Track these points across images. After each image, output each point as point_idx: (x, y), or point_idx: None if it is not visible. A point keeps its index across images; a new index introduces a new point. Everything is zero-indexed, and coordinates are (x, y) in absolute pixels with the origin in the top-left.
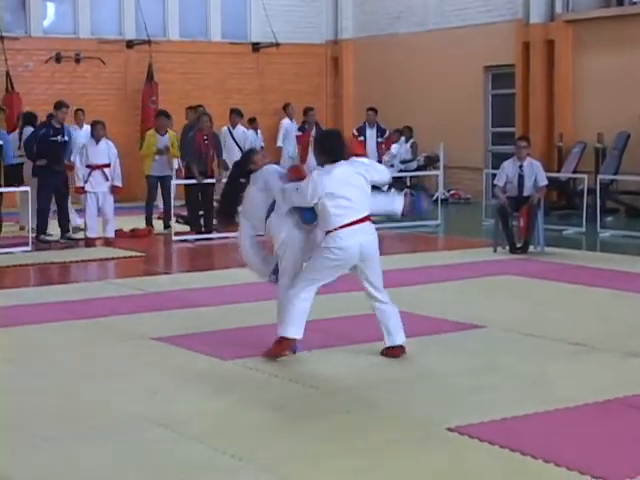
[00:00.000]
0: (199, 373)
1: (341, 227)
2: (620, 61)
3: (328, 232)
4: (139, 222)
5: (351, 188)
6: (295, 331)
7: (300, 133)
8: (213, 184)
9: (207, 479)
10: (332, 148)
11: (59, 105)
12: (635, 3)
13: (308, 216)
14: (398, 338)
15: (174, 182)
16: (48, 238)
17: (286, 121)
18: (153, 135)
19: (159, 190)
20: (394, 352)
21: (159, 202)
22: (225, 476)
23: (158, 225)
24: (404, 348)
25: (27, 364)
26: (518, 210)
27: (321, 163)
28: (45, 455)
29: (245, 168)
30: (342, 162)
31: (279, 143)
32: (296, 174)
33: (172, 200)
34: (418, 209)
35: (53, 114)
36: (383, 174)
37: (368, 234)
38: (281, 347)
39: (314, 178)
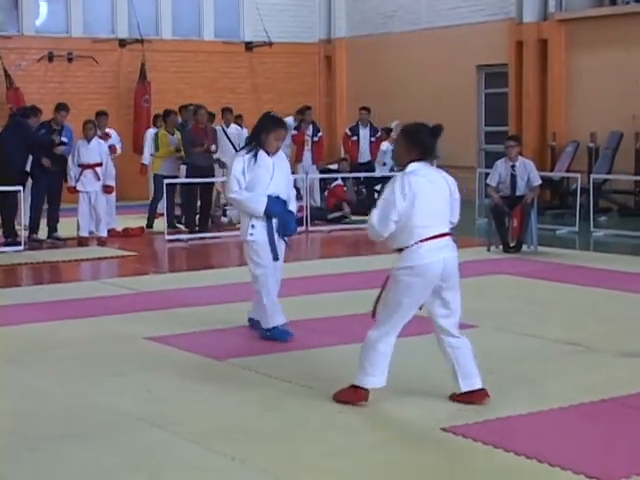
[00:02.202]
0: (193, 373)
1: (422, 241)
2: (613, 60)
3: (403, 249)
4: (132, 221)
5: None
6: (369, 381)
7: (295, 132)
8: (212, 184)
9: (199, 479)
10: (424, 142)
11: (58, 108)
12: (628, 2)
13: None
14: (478, 380)
15: (168, 181)
16: (39, 237)
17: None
18: (166, 135)
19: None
20: (476, 397)
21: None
22: (219, 476)
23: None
24: (486, 391)
25: (20, 364)
26: (511, 209)
27: (404, 160)
28: (40, 456)
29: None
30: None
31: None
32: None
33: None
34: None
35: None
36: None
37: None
38: (356, 396)
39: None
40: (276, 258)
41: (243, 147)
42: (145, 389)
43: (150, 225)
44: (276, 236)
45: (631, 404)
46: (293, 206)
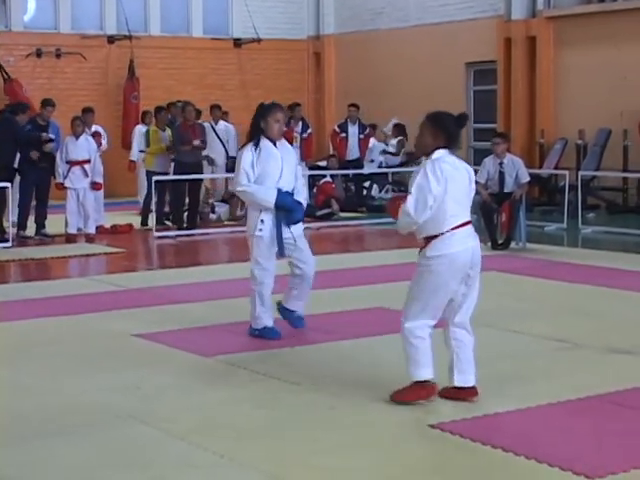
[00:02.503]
0: (182, 370)
1: (453, 229)
2: (601, 57)
3: (434, 237)
4: (120, 218)
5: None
6: (424, 373)
7: (285, 129)
8: (201, 180)
9: (188, 476)
10: (450, 130)
11: (45, 103)
12: (615, 0)
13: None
14: (472, 378)
15: (157, 178)
16: (27, 234)
17: None
18: (157, 131)
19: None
20: (466, 394)
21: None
22: (206, 473)
23: (139, 221)
24: (476, 389)
25: (9, 361)
26: (500, 206)
27: (429, 148)
28: (30, 453)
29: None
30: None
31: None
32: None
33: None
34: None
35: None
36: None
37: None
38: (425, 392)
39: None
40: (282, 254)
41: (245, 143)
42: (134, 386)
43: (145, 222)
44: (288, 231)
45: (618, 401)
46: (302, 197)
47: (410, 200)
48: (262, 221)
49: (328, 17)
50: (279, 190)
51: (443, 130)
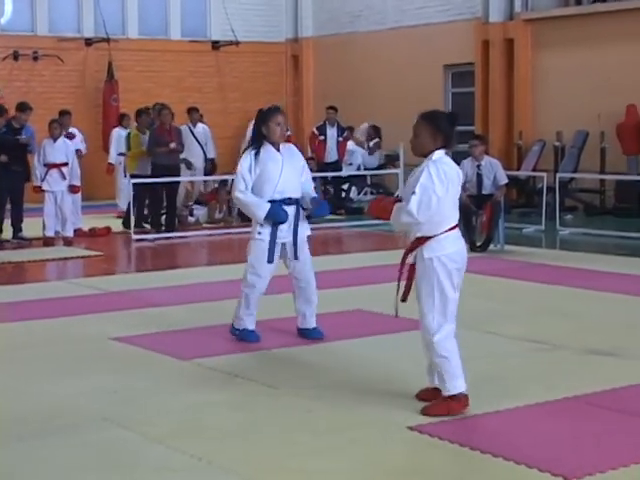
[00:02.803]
0: (160, 373)
1: (447, 230)
2: (579, 60)
3: (429, 238)
4: (98, 221)
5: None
6: (460, 384)
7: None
8: (178, 183)
9: (164, 479)
10: (447, 130)
11: (22, 107)
12: (594, 2)
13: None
14: None
15: (134, 180)
16: (4, 237)
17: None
18: (137, 135)
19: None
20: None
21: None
22: (184, 476)
23: (117, 224)
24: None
25: None
26: (479, 208)
27: (428, 149)
28: (7, 456)
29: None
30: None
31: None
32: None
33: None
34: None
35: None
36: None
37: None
38: (460, 404)
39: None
40: (270, 261)
41: (247, 147)
42: (111, 389)
43: (127, 225)
44: (284, 237)
45: (596, 402)
46: (313, 193)
47: (413, 200)
48: (262, 225)
49: (306, 20)
50: (272, 205)
51: (441, 130)
